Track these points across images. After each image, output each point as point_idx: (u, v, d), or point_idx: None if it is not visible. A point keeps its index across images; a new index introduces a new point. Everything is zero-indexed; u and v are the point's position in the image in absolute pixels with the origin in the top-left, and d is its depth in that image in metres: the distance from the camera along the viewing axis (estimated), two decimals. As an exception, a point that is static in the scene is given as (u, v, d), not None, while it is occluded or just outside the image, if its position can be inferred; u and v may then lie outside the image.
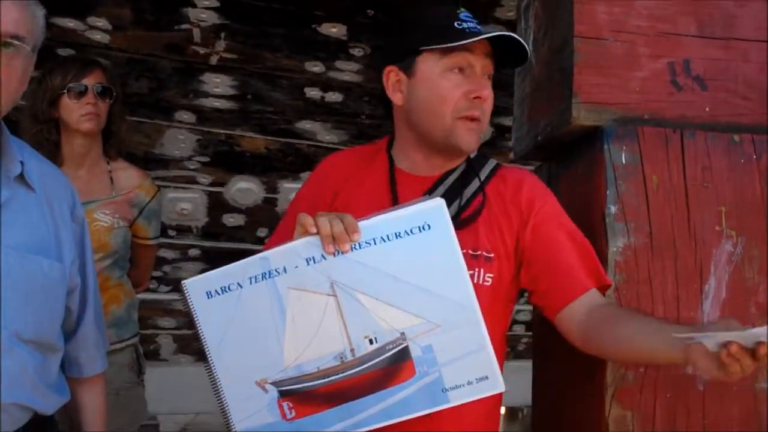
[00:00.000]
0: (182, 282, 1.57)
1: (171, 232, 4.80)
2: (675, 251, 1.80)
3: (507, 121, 2.26)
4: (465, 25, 1.74)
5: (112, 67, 3.21)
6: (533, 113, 2.15)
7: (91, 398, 1.90)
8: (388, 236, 1.52)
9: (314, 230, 1.51)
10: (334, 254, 1.51)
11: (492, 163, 1.88)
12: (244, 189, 4.91)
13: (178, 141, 4.75)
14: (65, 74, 2.86)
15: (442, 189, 1.81)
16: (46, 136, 2.88)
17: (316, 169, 1.96)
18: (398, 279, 1.52)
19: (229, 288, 1.55)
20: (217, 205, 4.92)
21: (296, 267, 1.52)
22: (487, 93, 1.73)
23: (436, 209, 1.51)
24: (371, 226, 1.52)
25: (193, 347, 5.14)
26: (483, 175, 1.84)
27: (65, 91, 2.84)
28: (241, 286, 1.54)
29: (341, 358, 1.53)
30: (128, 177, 3.06)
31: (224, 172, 4.89)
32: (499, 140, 4.78)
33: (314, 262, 1.52)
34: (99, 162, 3.01)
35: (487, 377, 1.52)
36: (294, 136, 4.82)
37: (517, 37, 1.72)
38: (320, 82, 4.77)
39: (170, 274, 4.94)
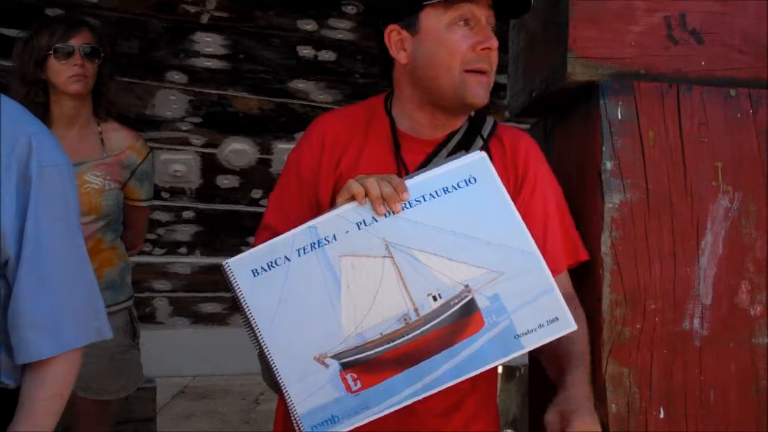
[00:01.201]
0: (224, 263, 1.52)
1: (164, 195, 4.79)
2: (671, 207, 1.79)
3: (502, 79, 2.23)
4: None
5: (101, 26, 3.14)
6: (528, 69, 2.13)
7: (26, 390, 1.62)
8: (436, 192, 1.52)
9: (363, 195, 1.50)
10: (385, 215, 1.50)
11: (490, 121, 1.86)
12: (238, 150, 4.89)
13: (170, 102, 4.72)
14: (51, 35, 2.82)
15: (445, 152, 1.79)
16: (34, 98, 2.85)
17: (308, 134, 1.89)
18: (454, 232, 1.51)
19: (276, 263, 1.52)
20: (211, 166, 4.90)
21: (347, 232, 1.51)
22: (495, 43, 1.70)
23: (479, 162, 1.52)
24: (417, 184, 1.52)
25: (189, 310, 5.15)
26: (485, 134, 1.82)
27: (51, 52, 2.80)
28: (288, 260, 1.51)
29: (405, 319, 1.50)
30: (119, 138, 3.03)
31: (217, 133, 4.86)
32: (494, 98, 4.75)
33: (365, 225, 1.51)
34: (89, 123, 2.98)
35: (557, 318, 1.51)
36: (287, 96, 4.79)
37: None
38: (313, 41, 4.73)
39: (164, 237, 4.94)
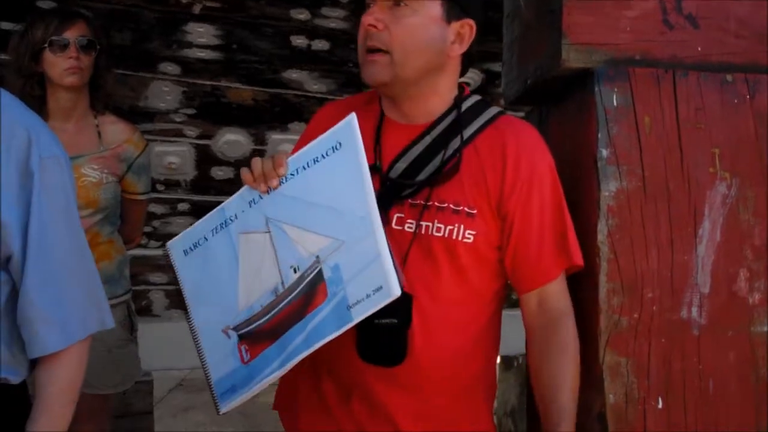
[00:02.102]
0: (166, 244, 1.68)
1: (159, 187, 4.77)
2: (668, 194, 1.78)
3: (496, 67, 2.23)
4: None
5: (96, 18, 3.12)
6: (523, 57, 2.11)
7: (39, 385, 1.65)
8: (307, 164, 1.57)
9: (249, 175, 1.59)
10: (267, 192, 1.58)
11: (492, 111, 1.81)
12: (232, 141, 4.87)
13: (163, 93, 4.70)
14: (47, 27, 2.80)
15: (428, 139, 1.76)
16: (30, 91, 2.83)
17: (309, 123, 1.95)
18: (313, 203, 1.56)
19: (198, 243, 1.66)
20: (206, 158, 4.89)
21: (243, 211, 1.61)
22: (368, 19, 1.69)
23: (345, 126, 1.55)
24: (296, 158, 1.59)
25: (185, 302, 5.14)
26: (477, 124, 1.78)
27: (46, 45, 2.78)
28: (206, 239, 1.65)
29: (275, 291, 1.58)
30: (116, 131, 3.02)
31: (211, 124, 4.85)
32: (490, 87, 4.74)
33: (255, 203, 1.60)
34: (86, 116, 2.96)
35: (381, 287, 1.49)
36: (281, 86, 4.77)
37: None
38: (306, 30, 4.71)
39: (160, 230, 4.92)
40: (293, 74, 4.77)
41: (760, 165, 1.81)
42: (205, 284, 1.65)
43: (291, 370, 1.91)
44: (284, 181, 1.58)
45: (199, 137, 4.84)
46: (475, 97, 1.84)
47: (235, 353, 1.61)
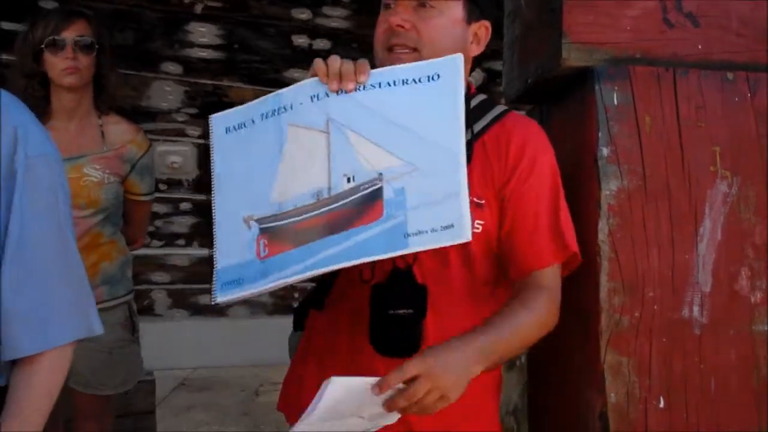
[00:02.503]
0: (210, 116, 1.61)
1: (162, 186, 4.78)
2: (669, 193, 1.77)
3: (498, 66, 2.23)
4: None
5: (98, 17, 3.11)
6: (523, 56, 2.11)
7: (14, 387, 1.56)
8: (395, 82, 1.51)
9: (325, 72, 1.51)
10: (337, 92, 1.51)
11: (499, 108, 1.82)
12: (234, 140, 4.87)
13: (165, 93, 4.72)
14: (46, 27, 2.80)
15: None
16: (33, 91, 2.84)
17: None
18: (392, 121, 1.50)
19: (244, 124, 1.57)
20: (208, 157, 4.88)
21: (301, 104, 1.53)
22: (395, 19, 1.70)
23: (451, 60, 1.51)
24: (383, 71, 1.53)
25: (188, 302, 5.15)
26: (486, 120, 1.78)
27: (44, 45, 2.78)
28: (253, 122, 1.56)
29: (318, 195, 1.50)
30: (120, 131, 3.01)
31: (213, 123, 4.85)
32: (491, 85, 4.74)
33: (317, 99, 1.52)
34: (89, 116, 2.96)
35: (452, 225, 1.43)
36: (283, 86, 4.76)
37: None
38: (308, 30, 4.72)
39: (162, 229, 4.94)
40: (295, 73, 4.78)
41: (761, 163, 1.81)
42: (239, 168, 1.57)
43: (296, 370, 1.91)
44: (361, 88, 1.51)
45: (201, 137, 4.85)
46: (482, 96, 1.85)
47: (252, 246, 1.53)
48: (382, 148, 1.48)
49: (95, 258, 2.91)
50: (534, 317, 1.64)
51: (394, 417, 1.51)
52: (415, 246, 1.44)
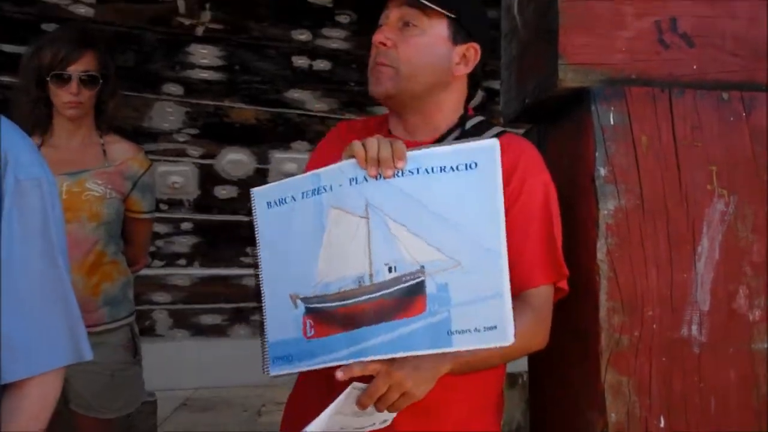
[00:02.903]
0: (251, 190, 1.63)
1: (163, 206, 4.80)
2: (666, 212, 1.78)
3: (496, 85, 2.25)
4: None
5: (105, 45, 3.08)
6: (521, 76, 2.12)
7: (1, 414, 1.54)
8: (433, 168, 1.49)
9: (363, 156, 1.51)
10: (376, 177, 1.50)
11: (495, 129, 1.84)
12: (235, 160, 4.90)
13: (167, 114, 4.74)
14: (54, 57, 2.81)
15: None
16: (38, 112, 2.87)
17: (330, 133, 1.99)
18: (431, 212, 1.48)
19: (285, 200, 1.59)
20: (209, 177, 4.91)
21: (340, 186, 1.53)
22: (378, 36, 1.78)
23: (488, 149, 1.46)
24: (420, 155, 1.50)
25: (189, 322, 5.15)
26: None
27: (49, 78, 2.80)
28: (294, 200, 1.58)
29: (360, 281, 1.50)
30: (121, 150, 3.04)
31: (214, 143, 4.88)
32: (490, 104, 4.76)
33: (356, 182, 1.52)
34: (91, 135, 2.99)
35: (495, 327, 1.41)
36: (283, 106, 4.80)
37: None
38: (307, 51, 4.74)
39: (163, 249, 4.94)
40: (295, 94, 4.80)
41: (758, 182, 1.82)
42: (283, 243, 1.59)
43: (300, 390, 1.91)
44: (399, 174, 1.50)
45: (202, 157, 4.87)
46: (479, 117, 1.87)
47: (299, 324, 1.55)
48: (423, 240, 1.47)
49: (97, 279, 2.92)
50: (519, 333, 1.54)
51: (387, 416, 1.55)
52: (459, 345, 1.43)
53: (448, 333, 1.43)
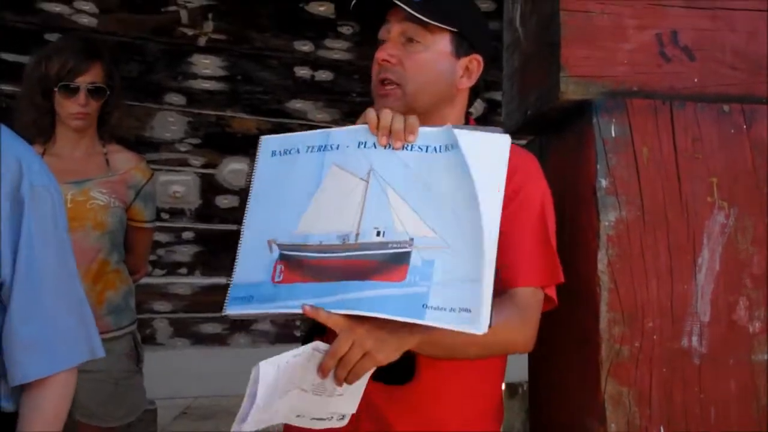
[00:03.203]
0: (261, 137, 1.65)
1: (164, 216, 4.81)
2: (667, 224, 1.79)
3: (498, 96, 2.26)
4: None
5: (111, 57, 3.08)
6: (523, 88, 2.13)
7: (23, 414, 1.63)
8: (441, 147, 1.53)
9: (376, 124, 1.54)
10: (384, 146, 1.54)
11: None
12: (237, 170, 4.91)
13: (169, 123, 4.75)
14: (61, 67, 2.82)
15: None
16: (41, 121, 2.88)
17: None
18: (432, 190, 1.50)
19: (290, 152, 1.62)
20: (210, 187, 4.92)
21: (347, 147, 1.57)
22: (381, 54, 1.77)
23: (500, 141, 1.51)
24: (431, 132, 1.55)
25: (189, 330, 5.15)
26: None
27: (57, 88, 2.81)
28: (298, 152, 1.61)
29: (344, 239, 1.51)
30: (123, 159, 3.06)
31: (216, 153, 4.89)
32: (492, 115, 4.78)
33: (364, 147, 1.56)
34: (94, 144, 3.01)
35: (469, 310, 1.39)
36: (285, 116, 4.82)
37: None
38: (309, 61, 4.76)
39: (164, 258, 4.95)
40: (297, 104, 4.81)
41: (758, 194, 1.83)
42: (275, 192, 1.60)
43: None
44: (408, 147, 1.54)
45: (203, 166, 4.88)
46: (481, 126, 1.88)
47: (269, 268, 1.54)
48: (418, 215, 1.49)
49: (101, 287, 2.94)
50: (498, 325, 1.51)
51: (336, 386, 1.51)
52: (431, 320, 1.41)
53: (423, 306, 1.42)
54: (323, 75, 4.77)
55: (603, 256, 1.76)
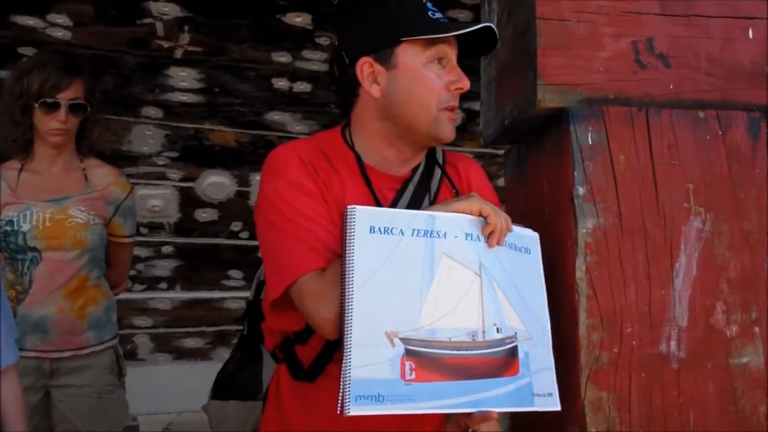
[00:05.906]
0: (349, 206, 1.53)
1: (143, 230, 4.78)
2: (644, 230, 1.80)
3: (477, 106, 2.27)
4: (436, 15, 1.75)
5: (92, 73, 3.06)
6: (500, 97, 2.14)
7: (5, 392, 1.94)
8: (525, 249, 1.68)
9: (494, 222, 1.61)
10: (492, 246, 1.62)
11: (439, 150, 1.94)
12: (216, 183, 4.89)
13: (146, 137, 4.73)
14: (43, 83, 2.80)
15: (412, 187, 1.82)
16: (20, 137, 2.87)
17: (282, 161, 1.81)
18: (517, 285, 1.63)
19: (392, 231, 1.54)
20: (189, 200, 4.90)
21: (456, 237, 1.58)
22: (467, 84, 1.78)
23: (534, 239, 1.73)
24: (519, 234, 1.69)
25: (170, 346, 5.12)
26: (441, 161, 1.92)
27: (37, 103, 2.80)
28: (402, 234, 1.55)
29: (473, 336, 1.54)
30: (102, 174, 3.05)
31: (195, 166, 4.87)
32: (470, 125, 4.79)
33: (471, 239, 1.59)
34: (72, 160, 3.00)
35: (551, 394, 1.62)
36: (264, 128, 4.81)
37: (494, 27, 1.76)
38: (288, 73, 4.75)
39: (144, 273, 4.92)
40: (275, 116, 4.81)
41: (734, 199, 1.84)
42: (383, 275, 1.51)
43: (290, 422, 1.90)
44: (503, 245, 1.64)
45: (182, 180, 4.86)
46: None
47: (396, 365, 1.46)
48: (513, 310, 1.61)
49: (82, 302, 2.92)
50: None
51: None
52: (538, 406, 1.59)
53: (531, 394, 1.58)
54: (301, 86, 4.77)
55: (581, 263, 1.77)
